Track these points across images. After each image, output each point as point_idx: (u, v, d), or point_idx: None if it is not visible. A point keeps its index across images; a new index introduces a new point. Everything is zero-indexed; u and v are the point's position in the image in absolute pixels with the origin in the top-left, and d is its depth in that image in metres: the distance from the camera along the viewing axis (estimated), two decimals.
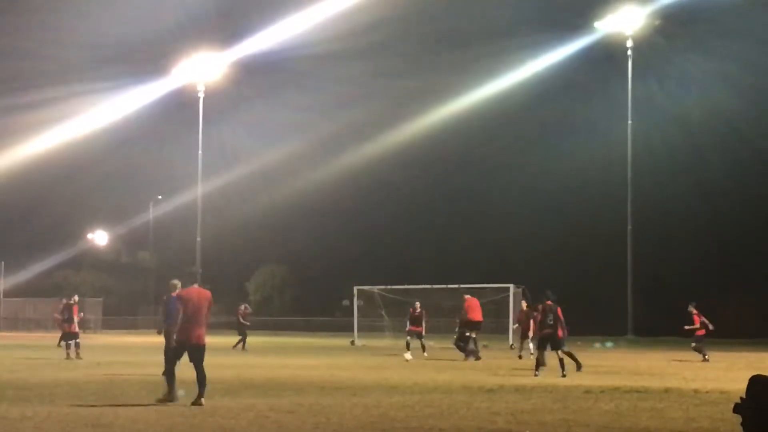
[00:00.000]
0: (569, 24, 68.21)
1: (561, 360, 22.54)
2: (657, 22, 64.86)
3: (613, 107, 67.09)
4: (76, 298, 31.82)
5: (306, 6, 68.21)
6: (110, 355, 31.12)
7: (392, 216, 79.29)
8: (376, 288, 49.15)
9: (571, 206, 69.09)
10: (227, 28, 78.73)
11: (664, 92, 68.84)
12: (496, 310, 43.61)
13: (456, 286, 41.21)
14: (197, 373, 15.49)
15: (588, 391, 18.05)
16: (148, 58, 75.59)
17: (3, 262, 69.85)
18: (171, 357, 15.75)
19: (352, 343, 45.20)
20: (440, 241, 75.94)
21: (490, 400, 16.38)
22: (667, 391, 18.26)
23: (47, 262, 77.03)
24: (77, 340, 29.69)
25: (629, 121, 63.73)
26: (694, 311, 31.83)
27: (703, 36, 66.75)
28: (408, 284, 47.68)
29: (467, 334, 30.68)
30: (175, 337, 16.17)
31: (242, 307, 41.58)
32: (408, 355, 31.38)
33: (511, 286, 43.10)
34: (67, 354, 28.99)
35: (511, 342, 40.31)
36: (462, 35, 75.48)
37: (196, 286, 16.15)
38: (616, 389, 18.47)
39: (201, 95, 77.27)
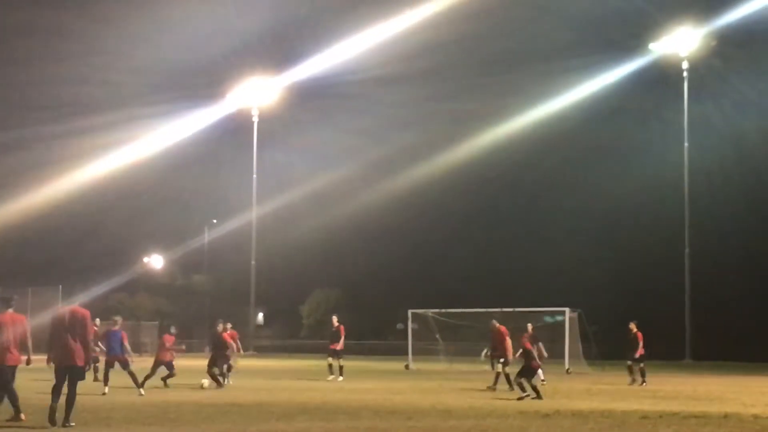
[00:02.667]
0: (624, 45, 67.89)
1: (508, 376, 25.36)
2: (713, 44, 64.30)
3: (667, 129, 66.58)
4: (98, 321, 32.16)
5: (358, 31, 68.58)
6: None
7: (445, 239, 79.16)
8: (430, 312, 48.85)
9: (625, 228, 68.54)
10: (281, 53, 79.48)
11: (720, 114, 68.15)
12: (551, 334, 43.09)
13: (511, 309, 40.90)
14: (8, 393, 15.66)
15: (645, 416, 17.77)
16: (203, 83, 76.55)
17: (61, 286, 70.55)
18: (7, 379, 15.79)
19: (407, 367, 44.96)
20: (494, 264, 75.47)
21: (546, 425, 16.21)
22: (726, 416, 17.94)
23: (103, 286, 77.62)
24: (96, 364, 30.21)
25: (686, 144, 63.17)
26: (637, 330, 30.98)
27: (760, 57, 66.15)
28: (462, 307, 47.38)
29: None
30: None
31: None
32: (330, 378, 31.59)
33: (567, 310, 42.77)
34: (96, 377, 29.27)
35: (567, 366, 40.03)
36: (515, 58, 75.34)
37: (10, 311, 16.12)
38: (675, 414, 18.18)
39: (255, 119, 77.99)
